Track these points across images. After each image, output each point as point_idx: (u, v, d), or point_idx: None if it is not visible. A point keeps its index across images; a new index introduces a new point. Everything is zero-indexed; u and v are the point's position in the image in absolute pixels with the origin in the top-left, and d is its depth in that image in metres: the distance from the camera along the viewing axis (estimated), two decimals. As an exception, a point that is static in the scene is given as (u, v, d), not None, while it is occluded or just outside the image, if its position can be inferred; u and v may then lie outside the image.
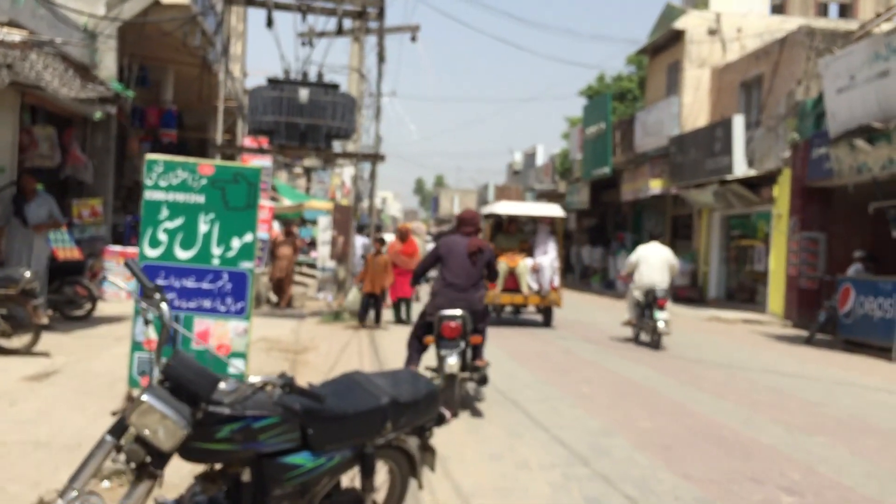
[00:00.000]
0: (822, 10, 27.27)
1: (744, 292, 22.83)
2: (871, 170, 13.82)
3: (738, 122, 20.01)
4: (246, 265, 5.79)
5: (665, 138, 24.26)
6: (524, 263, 14.75)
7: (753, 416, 7.74)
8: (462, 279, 7.36)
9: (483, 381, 7.53)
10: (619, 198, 28.71)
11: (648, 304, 12.74)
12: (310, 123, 14.12)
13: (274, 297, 16.53)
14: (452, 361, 7.04)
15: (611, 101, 28.89)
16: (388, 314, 14.96)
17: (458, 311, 7.21)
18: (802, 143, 18.67)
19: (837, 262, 18.60)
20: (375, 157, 15.15)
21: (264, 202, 25.79)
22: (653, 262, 12.85)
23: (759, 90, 21.55)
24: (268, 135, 14.37)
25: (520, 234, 15.88)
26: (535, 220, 16.29)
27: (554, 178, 39.84)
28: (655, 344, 12.57)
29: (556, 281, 14.84)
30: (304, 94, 14.06)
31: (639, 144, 26.35)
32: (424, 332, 7.52)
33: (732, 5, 25.31)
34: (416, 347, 7.58)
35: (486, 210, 16.62)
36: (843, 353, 13.70)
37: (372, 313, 13.93)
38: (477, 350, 7.52)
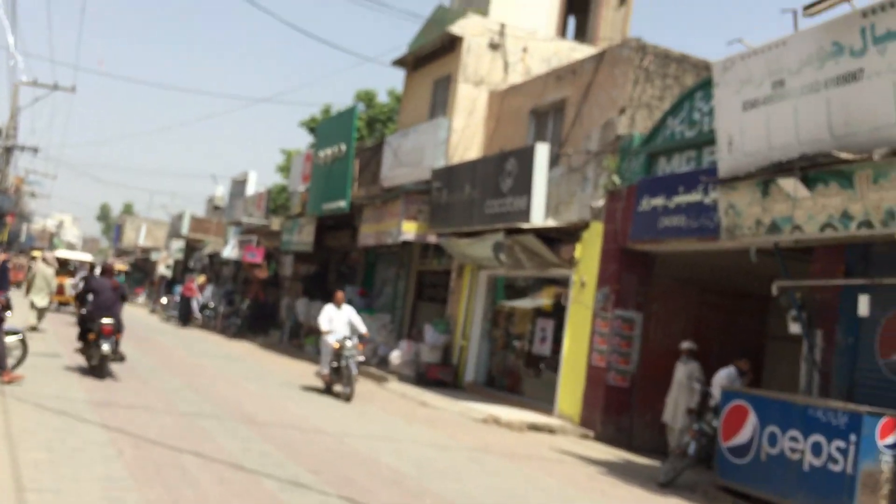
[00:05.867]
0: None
1: (508, 378, 17.48)
2: (801, 228, 8.80)
3: (542, 153, 14.67)
4: None
5: (426, 170, 18.52)
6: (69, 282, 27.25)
7: None
8: (109, 303, 12.58)
9: (122, 359, 12.57)
10: (353, 242, 22.44)
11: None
12: None
13: None
14: (107, 347, 12.13)
15: (357, 117, 22.60)
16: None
17: (111, 320, 12.34)
18: (626, 190, 13.77)
19: (652, 353, 13.89)
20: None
21: None
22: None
23: (558, 120, 16.57)
24: None
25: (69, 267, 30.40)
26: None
27: (267, 214, 32.73)
28: None
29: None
30: None
31: (386, 177, 20.42)
32: (86, 333, 12.60)
33: (514, 16, 20.44)
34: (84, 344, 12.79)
35: (58, 254, 30.41)
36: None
37: None
38: (117, 343, 12.43)
